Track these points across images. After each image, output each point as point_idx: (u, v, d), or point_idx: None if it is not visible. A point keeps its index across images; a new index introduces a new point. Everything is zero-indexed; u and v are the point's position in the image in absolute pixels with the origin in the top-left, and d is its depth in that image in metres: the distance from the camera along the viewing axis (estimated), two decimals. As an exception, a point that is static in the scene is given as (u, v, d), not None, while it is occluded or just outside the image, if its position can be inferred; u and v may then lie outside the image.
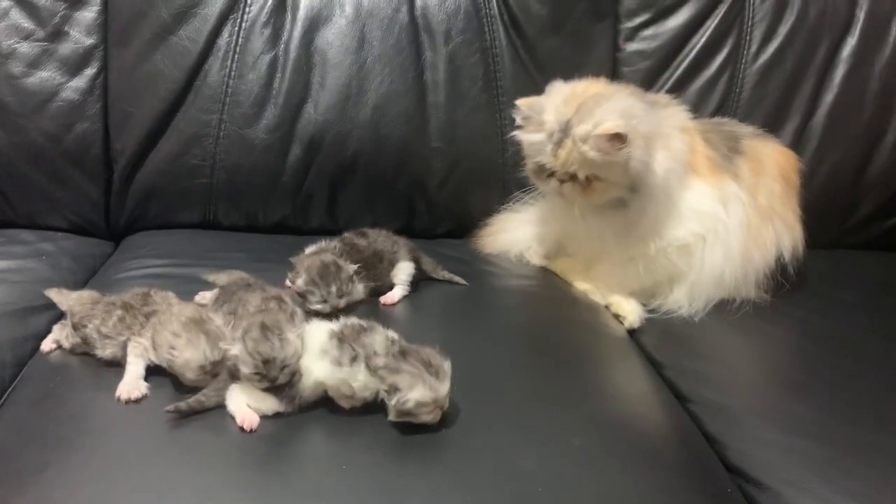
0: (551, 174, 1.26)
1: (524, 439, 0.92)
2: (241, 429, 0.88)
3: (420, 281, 1.30)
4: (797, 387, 1.12)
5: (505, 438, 0.92)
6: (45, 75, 1.41)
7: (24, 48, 1.40)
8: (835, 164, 1.61)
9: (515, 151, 1.41)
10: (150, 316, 1.01)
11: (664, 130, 1.26)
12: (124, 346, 0.99)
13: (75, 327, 1.03)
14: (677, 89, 1.57)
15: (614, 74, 1.57)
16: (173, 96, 1.43)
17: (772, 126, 1.57)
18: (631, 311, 1.31)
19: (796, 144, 1.58)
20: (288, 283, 1.17)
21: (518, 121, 1.29)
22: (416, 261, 1.30)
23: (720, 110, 1.57)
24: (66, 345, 1.05)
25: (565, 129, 1.20)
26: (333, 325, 0.96)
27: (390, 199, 1.53)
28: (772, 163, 1.36)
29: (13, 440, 0.91)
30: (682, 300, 1.33)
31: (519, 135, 1.30)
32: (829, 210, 1.63)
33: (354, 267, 1.18)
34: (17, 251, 1.37)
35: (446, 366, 0.90)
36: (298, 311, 1.01)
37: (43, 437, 0.89)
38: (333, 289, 1.13)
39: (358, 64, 1.46)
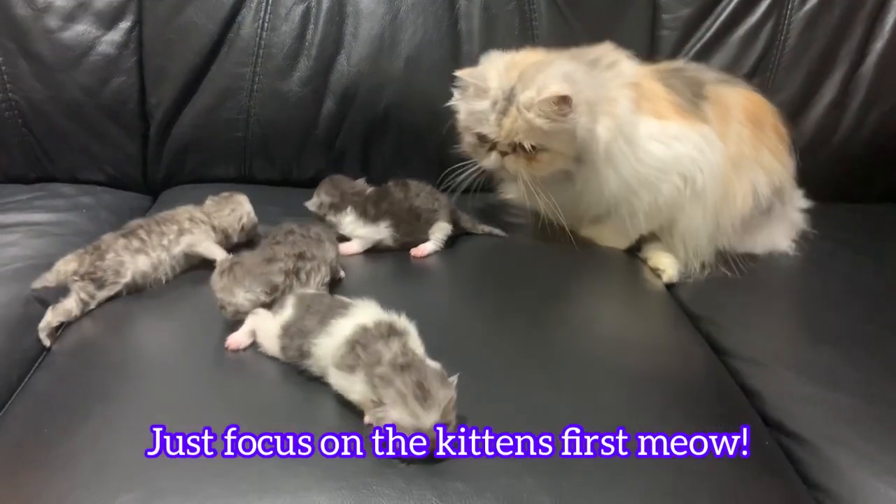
0: (492, 147, 1.21)
1: (558, 389, 0.92)
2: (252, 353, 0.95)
3: (458, 236, 1.31)
4: (838, 341, 1.10)
5: (539, 391, 0.92)
6: (81, 29, 1.41)
7: (60, 2, 1.40)
8: (883, 115, 1.55)
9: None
10: (170, 218, 1.16)
11: (609, 94, 1.20)
12: (168, 249, 1.12)
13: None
14: (720, 37, 1.52)
15: (654, 21, 1.52)
16: (207, 49, 1.43)
17: (817, 76, 1.52)
18: (670, 265, 1.29)
19: (843, 94, 1.54)
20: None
21: (456, 92, 1.25)
22: (455, 222, 1.30)
23: (763, 59, 1.52)
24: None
25: (510, 97, 1.16)
26: (365, 321, 0.89)
27: (423, 153, 1.51)
28: (738, 108, 1.28)
29: (60, 388, 0.94)
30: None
31: (458, 104, 1.24)
32: (876, 163, 1.58)
33: (329, 200, 1.26)
34: (59, 204, 1.40)
35: (443, 394, 0.79)
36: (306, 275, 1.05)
37: (87, 384, 0.92)
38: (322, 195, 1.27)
39: (391, 14, 1.44)
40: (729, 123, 1.27)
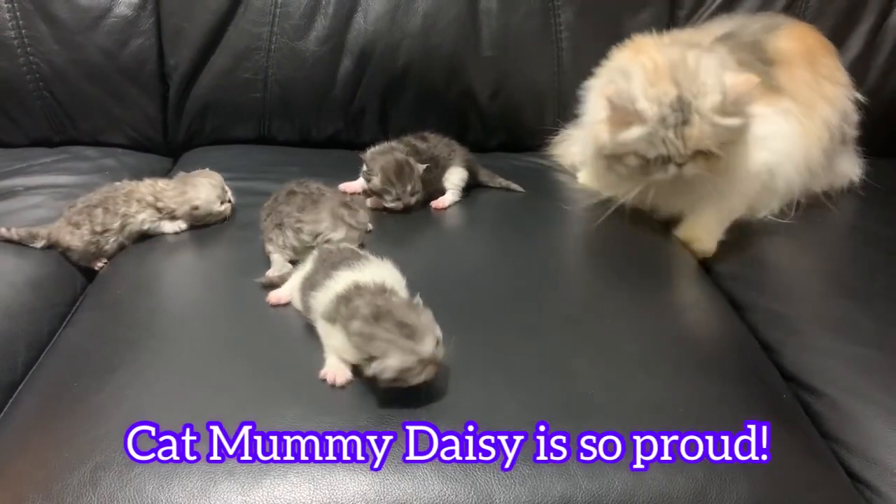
0: (666, 161, 1.13)
1: (578, 346, 0.93)
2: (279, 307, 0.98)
3: (474, 188, 1.33)
4: (858, 295, 1.09)
5: (558, 345, 0.93)
6: (99, -10, 1.41)
7: (77, -37, 1.40)
8: (911, 68, 1.52)
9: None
10: (130, 195, 1.16)
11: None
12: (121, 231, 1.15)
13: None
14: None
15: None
16: (224, 9, 1.42)
17: (843, 28, 1.49)
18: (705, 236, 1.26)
19: (869, 47, 1.51)
20: (360, 182, 1.25)
21: (602, 117, 1.16)
22: (471, 170, 1.31)
23: (789, 11, 1.48)
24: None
25: (684, 108, 1.09)
26: (363, 278, 0.88)
27: (442, 111, 1.51)
28: (795, 55, 1.30)
29: (89, 342, 0.96)
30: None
31: (609, 136, 1.16)
32: (901, 117, 1.55)
33: (423, 166, 1.21)
34: (82, 167, 1.42)
35: (424, 319, 0.79)
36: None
37: (115, 340, 0.94)
38: (408, 188, 1.18)
39: (408, -32, 1.42)
40: (794, 74, 1.28)
